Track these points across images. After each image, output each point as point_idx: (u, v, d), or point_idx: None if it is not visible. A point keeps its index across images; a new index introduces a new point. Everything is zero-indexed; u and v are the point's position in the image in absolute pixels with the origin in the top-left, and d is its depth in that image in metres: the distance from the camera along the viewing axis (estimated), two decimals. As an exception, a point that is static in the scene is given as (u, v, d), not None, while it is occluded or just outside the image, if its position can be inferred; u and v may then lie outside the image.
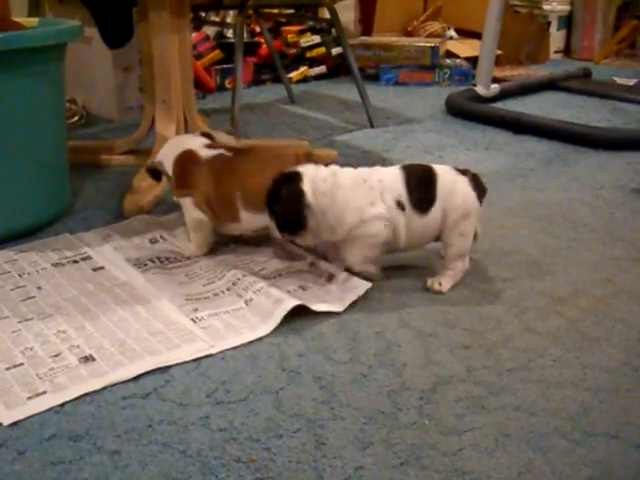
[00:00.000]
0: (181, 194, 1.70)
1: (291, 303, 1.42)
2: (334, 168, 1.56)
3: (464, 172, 1.57)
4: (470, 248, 1.59)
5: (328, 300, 1.49)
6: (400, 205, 1.52)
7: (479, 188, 1.56)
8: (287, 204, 1.50)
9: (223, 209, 1.65)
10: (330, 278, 1.57)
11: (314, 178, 1.52)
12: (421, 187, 1.53)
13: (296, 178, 1.51)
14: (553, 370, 1.27)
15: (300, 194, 1.49)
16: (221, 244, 1.75)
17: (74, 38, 1.90)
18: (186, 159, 1.69)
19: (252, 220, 1.64)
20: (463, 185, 1.55)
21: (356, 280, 1.55)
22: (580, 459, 1.06)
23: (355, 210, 1.51)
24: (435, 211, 1.53)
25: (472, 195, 1.55)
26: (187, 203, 1.69)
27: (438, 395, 1.20)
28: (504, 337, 1.38)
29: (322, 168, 1.55)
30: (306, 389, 1.22)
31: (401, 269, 1.64)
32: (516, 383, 1.24)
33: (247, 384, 1.23)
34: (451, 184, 1.54)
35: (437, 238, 1.58)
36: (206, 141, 1.75)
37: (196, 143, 1.73)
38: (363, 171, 1.57)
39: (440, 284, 1.56)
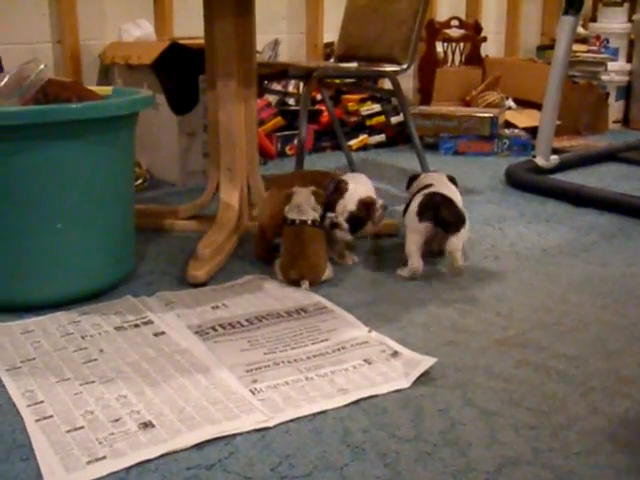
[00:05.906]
0: None
1: (355, 396, 1.41)
2: None
3: (430, 195, 2.00)
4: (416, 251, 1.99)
5: (393, 377, 1.48)
6: None
7: (426, 208, 1.97)
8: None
9: None
10: (395, 354, 1.56)
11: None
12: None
13: None
14: (623, 455, 1.24)
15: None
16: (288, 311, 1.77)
17: (146, 107, 1.96)
18: None
19: None
20: (414, 202, 2.02)
21: (420, 356, 1.55)
22: None
23: None
24: None
25: (413, 211, 2.00)
26: None
27: (504, 477, 1.18)
28: (570, 418, 1.35)
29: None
30: (370, 466, 1.21)
31: (461, 344, 1.63)
32: (585, 468, 1.21)
33: (311, 459, 1.23)
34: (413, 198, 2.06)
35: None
36: None
37: None
38: None
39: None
